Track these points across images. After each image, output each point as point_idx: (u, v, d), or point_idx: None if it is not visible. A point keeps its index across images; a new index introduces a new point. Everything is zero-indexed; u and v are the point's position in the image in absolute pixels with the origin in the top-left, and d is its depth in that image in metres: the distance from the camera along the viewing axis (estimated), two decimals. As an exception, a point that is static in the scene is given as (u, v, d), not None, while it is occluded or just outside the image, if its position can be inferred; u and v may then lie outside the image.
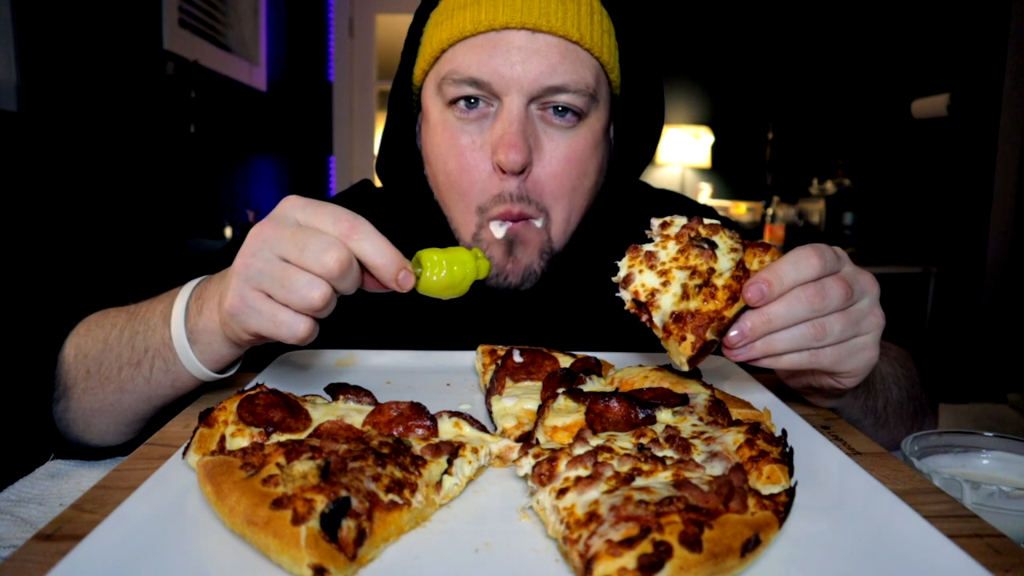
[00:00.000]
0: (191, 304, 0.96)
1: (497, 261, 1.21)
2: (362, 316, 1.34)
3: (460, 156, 1.18)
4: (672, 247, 0.88)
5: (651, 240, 0.90)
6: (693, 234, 0.88)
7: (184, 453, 0.74)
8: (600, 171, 1.27)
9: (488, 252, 1.20)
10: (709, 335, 0.81)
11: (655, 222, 0.91)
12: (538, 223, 1.19)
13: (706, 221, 0.90)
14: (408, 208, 1.34)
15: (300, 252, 0.81)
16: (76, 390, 1.04)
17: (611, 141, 1.32)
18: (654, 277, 0.86)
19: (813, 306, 0.82)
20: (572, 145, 1.18)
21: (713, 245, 0.86)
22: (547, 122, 1.17)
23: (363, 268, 0.86)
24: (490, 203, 1.17)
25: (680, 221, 0.90)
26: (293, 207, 0.85)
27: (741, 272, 0.84)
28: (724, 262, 0.85)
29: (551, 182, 1.17)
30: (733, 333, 0.82)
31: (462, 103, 1.17)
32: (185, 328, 0.95)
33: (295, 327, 0.83)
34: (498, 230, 1.18)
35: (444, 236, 1.27)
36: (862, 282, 0.88)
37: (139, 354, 0.99)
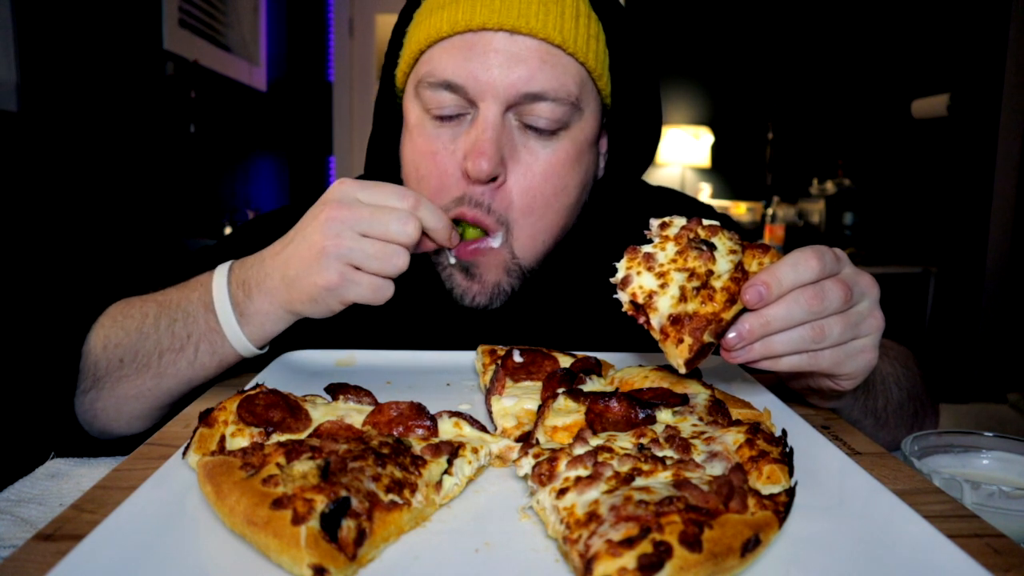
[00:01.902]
0: (233, 290, 1.02)
1: (459, 282, 1.20)
2: (362, 316, 1.34)
3: (431, 160, 1.15)
4: (671, 248, 0.87)
5: (650, 241, 0.90)
6: (692, 235, 0.88)
7: (184, 453, 0.74)
8: (582, 186, 1.22)
9: (448, 272, 1.20)
10: (707, 337, 0.81)
11: (654, 222, 0.91)
12: (495, 243, 1.15)
13: (705, 222, 0.89)
14: None
15: (385, 227, 0.94)
16: (109, 379, 1.06)
17: (600, 153, 1.28)
18: (652, 279, 0.86)
19: (812, 308, 0.81)
20: (550, 157, 1.14)
21: (712, 247, 0.86)
22: (525, 131, 1.13)
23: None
24: (451, 205, 1.14)
25: (679, 222, 0.90)
26: (352, 189, 0.97)
27: (740, 274, 0.84)
28: (723, 264, 0.85)
29: (523, 196, 1.14)
30: (731, 335, 0.82)
31: (438, 109, 1.14)
32: (234, 313, 1.01)
33: (386, 291, 0.97)
34: (449, 255, 1.16)
35: None
36: (862, 284, 0.87)
37: (181, 340, 1.04)
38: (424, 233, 0.99)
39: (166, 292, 1.09)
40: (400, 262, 0.95)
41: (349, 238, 0.93)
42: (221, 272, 1.04)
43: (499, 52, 1.09)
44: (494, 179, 1.12)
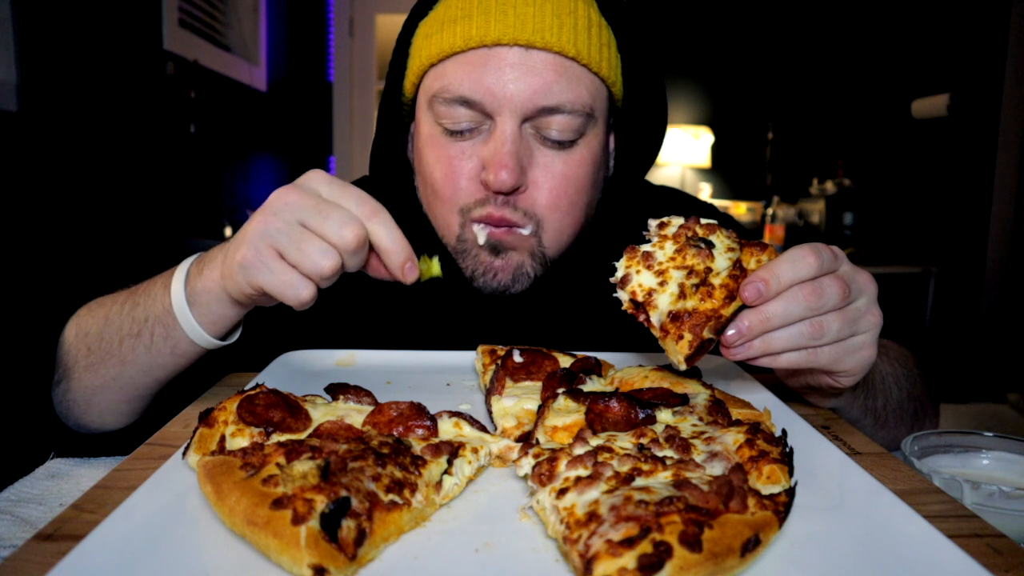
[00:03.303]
0: (192, 270, 0.99)
1: (483, 260, 1.19)
2: (362, 316, 1.34)
3: (448, 166, 1.16)
4: (669, 247, 0.88)
5: (648, 241, 0.90)
6: (690, 234, 0.88)
7: (184, 453, 0.74)
8: (597, 186, 1.25)
9: (473, 253, 1.20)
10: (706, 334, 0.81)
11: (652, 223, 0.91)
12: (525, 231, 1.16)
13: (703, 221, 0.90)
14: (401, 214, 1.34)
15: (322, 221, 0.85)
16: (77, 369, 1.06)
17: (611, 152, 1.30)
18: (651, 277, 0.86)
19: (810, 305, 0.82)
20: (567, 164, 1.15)
21: (710, 245, 0.86)
22: (541, 141, 1.14)
23: (371, 255, 0.91)
24: (473, 205, 1.15)
25: (677, 221, 0.90)
26: (319, 181, 0.89)
27: (738, 271, 0.84)
28: (721, 261, 0.85)
29: (548, 197, 1.15)
30: (731, 332, 0.82)
31: (453, 124, 1.14)
32: (185, 291, 0.98)
33: (300, 290, 0.86)
34: (480, 234, 1.16)
35: (430, 245, 1.27)
36: (859, 281, 0.88)
37: (139, 324, 1.02)
38: (378, 253, 0.91)
39: (143, 282, 1.08)
40: (325, 263, 0.84)
41: (282, 220, 0.86)
42: (191, 258, 1.02)
43: (514, 67, 1.09)
44: (515, 189, 1.12)
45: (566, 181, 1.15)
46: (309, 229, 0.86)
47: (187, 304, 0.97)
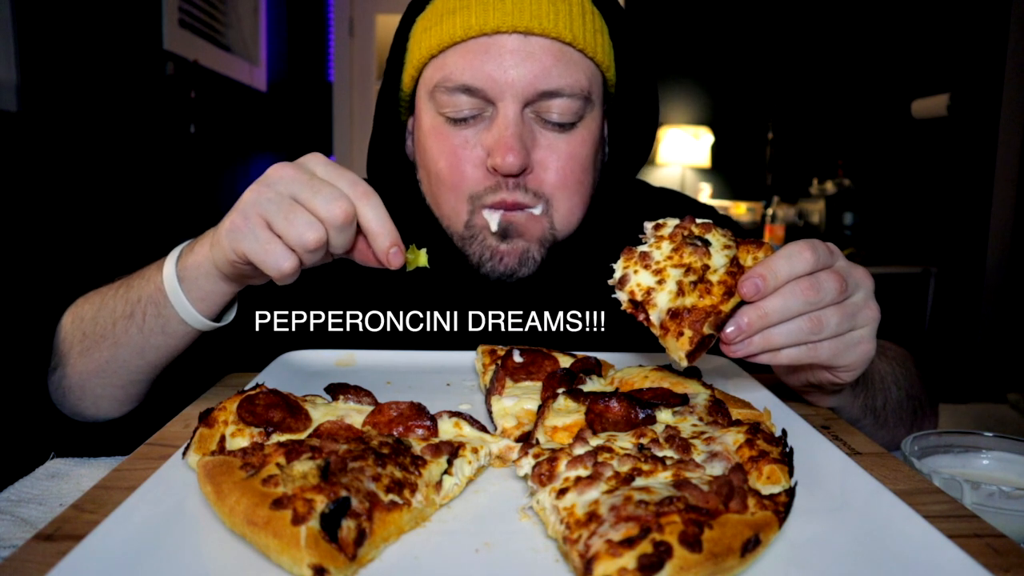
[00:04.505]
0: (184, 250, 1.01)
1: (490, 244, 1.20)
2: (362, 315, 1.34)
3: (453, 155, 1.17)
4: (666, 247, 0.88)
5: (644, 243, 0.90)
6: (686, 233, 0.89)
7: (184, 453, 0.74)
8: (598, 170, 1.27)
9: (481, 238, 1.20)
10: (706, 329, 0.81)
11: (648, 225, 0.92)
12: (536, 211, 1.18)
13: (698, 220, 0.91)
14: (399, 211, 1.34)
15: (312, 195, 0.86)
16: (72, 355, 1.08)
17: (606, 140, 1.31)
18: (649, 276, 0.86)
19: (808, 299, 0.82)
20: (570, 145, 1.17)
21: (706, 243, 0.86)
22: (543, 125, 1.16)
23: (358, 239, 0.92)
24: (484, 192, 1.17)
25: (673, 222, 0.91)
26: (316, 162, 0.91)
27: (735, 268, 0.84)
28: (718, 259, 0.85)
29: (555, 176, 1.17)
30: (730, 329, 0.82)
31: (455, 112, 1.16)
32: (176, 268, 1.00)
33: (281, 261, 0.87)
34: (491, 218, 1.17)
35: (428, 241, 1.27)
36: (856, 276, 0.88)
37: (132, 305, 1.04)
38: (365, 236, 0.91)
39: (139, 270, 1.10)
40: (309, 235, 0.84)
41: (274, 192, 0.87)
42: (186, 242, 1.04)
43: (514, 53, 1.12)
44: (522, 171, 1.14)
45: (572, 159, 1.17)
46: (299, 203, 0.87)
47: (177, 280, 0.99)
